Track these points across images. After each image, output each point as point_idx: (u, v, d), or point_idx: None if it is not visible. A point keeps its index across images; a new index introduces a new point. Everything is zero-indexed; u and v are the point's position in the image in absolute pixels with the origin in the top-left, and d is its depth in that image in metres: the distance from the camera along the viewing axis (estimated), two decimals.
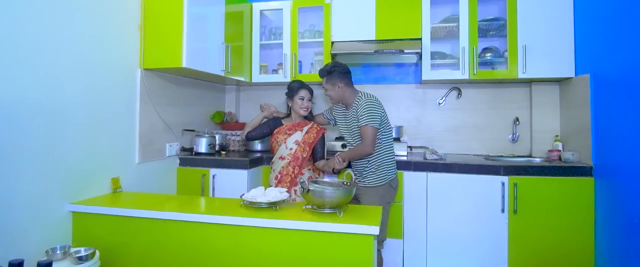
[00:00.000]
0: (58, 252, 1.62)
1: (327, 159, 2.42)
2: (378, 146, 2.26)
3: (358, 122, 2.22)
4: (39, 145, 1.71)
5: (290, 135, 2.44)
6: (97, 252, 1.67)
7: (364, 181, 2.31)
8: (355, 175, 2.33)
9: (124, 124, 2.27)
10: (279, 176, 2.41)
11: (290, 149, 2.41)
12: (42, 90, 1.73)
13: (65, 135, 1.85)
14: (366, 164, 2.29)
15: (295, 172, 2.39)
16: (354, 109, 2.27)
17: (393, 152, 2.35)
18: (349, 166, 2.41)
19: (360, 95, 2.28)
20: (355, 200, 2.35)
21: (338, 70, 2.30)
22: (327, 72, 2.32)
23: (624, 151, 2.09)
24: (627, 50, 2.06)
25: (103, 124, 2.09)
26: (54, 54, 1.79)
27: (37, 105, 1.70)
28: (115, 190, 2.14)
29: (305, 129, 2.46)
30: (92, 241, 1.79)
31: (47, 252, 1.62)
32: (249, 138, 2.55)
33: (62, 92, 1.83)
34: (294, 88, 2.47)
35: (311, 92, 2.49)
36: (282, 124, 2.51)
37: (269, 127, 2.52)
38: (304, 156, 2.42)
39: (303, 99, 2.44)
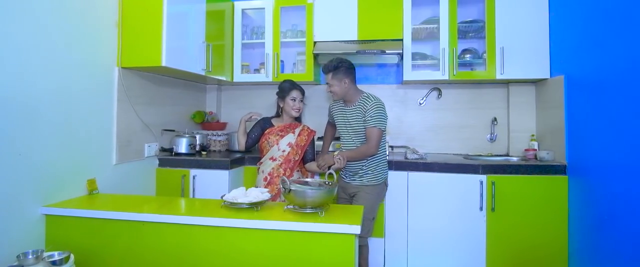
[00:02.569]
0: (30, 256, 1.56)
1: (321, 157, 2.36)
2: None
3: (365, 122, 2.24)
4: (9, 145, 1.65)
5: (282, 136, 2.41)
6: (72, 256, 1.62)
7: (361, 180, 2.32)
8: (348, 175, 2.38)
9: (101, 124, 2.21)
10: (269, 177, 2.39)
11: (283, 151, 2.39)
12: (13, 88, 1.67)
13: (38, 135, 1.79)
14: (364, 163, 2.30)
15: (287, 174, 2.37)
16: (358, 108, 2.28)
17: (386, 152, 2.41)
18: None
19: (366, 95, 2.31)
20: (348, 199, 2.38)
21: (345, 66, 2.30)
22: (334, 68, 2.29)
23: (596, 150, 2.17)
24: (598, 53, 2.14)
25: (78, 124, 2.03)
26: (25, 51, 1.73)
27: (6, 104, 1.64)
28: (91, 192, 2.08)
29: (297, 131, 2.45)
30: (66, 245, 1.73)
31: (18, 257, 1.55)
32: (248, 147, 2.50)
33: (34, 91, 1.77)
34: (285, 89, 2.44)
35: (303, 92, 2.47)
36: (273, 125, 2.48)
37: (261, 128, 2.48)
38: (296, 158, 2.41)
39: (294, 100, 2.41)
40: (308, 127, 2.52)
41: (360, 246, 2.29)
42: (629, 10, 1.87)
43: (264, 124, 2.49)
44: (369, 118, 2.22)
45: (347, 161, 2.26)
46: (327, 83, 2.35)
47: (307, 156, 2.48)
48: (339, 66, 2.29)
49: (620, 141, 1.93)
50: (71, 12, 1.98)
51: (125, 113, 2.38)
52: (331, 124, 2.64)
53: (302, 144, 2.44)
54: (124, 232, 1.74)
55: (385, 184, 2.40)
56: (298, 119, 2.54)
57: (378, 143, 2.24)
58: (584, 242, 2.27)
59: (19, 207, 1.71)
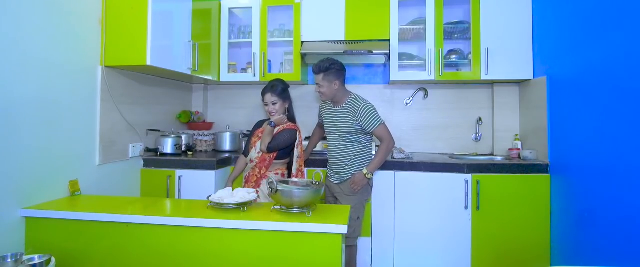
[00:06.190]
0: (9, 260, 1.52)
1: (353, 181, 2.30)
2: (358, 141, 2.33)
3: (359, 125, 2.26)
4: None
5: (260, 138, 2.41)
6: (53, 259, 1.58)
7: (347, 175, 2.33)
8: (332, 174, 2.40)
9: (84, 123, 2.17)
10: (245, 179, 2.42)
11: (258, 153, 2.39)
12: None
13: (18, 135, 1.74)
14: (347, 162, 2.33)
15: (261, 173, 2.36)
16: (346, 108, 2.30)
17: (372, 151, 2.43)
18: (325, 165, 2.47)
19: (354, 97, 2.32)
20: (335, 201, 2.40)
21: (336, 67, 2.29)
22: (326, 69, 2.26)
23: (576, 149, 2.22)
24: (580, 55, 2.19)
25: (60, 124, 1.99)
26: (3, 48, 1.68)
27: None
28: (73, 193, 2.04)
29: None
30: (47, 248, 1.69)
31: None
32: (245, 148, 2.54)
33: (13, 90, 1.72)
34: (261, 94, 2.41)
35: (277, 93, 2.35)
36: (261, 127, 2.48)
37: (255, 128, 2.51)
38: (271, 157, 2.36)
39: (267, 105, 2.38)
40: (287, 125, 2.39)
41: (348, 247, 2.30)
42: (608, 13, 1.92)
43: (258, 125, 2.52)
44: (367, 123, 2.25)
45: (377, 168, 2.33)
46: (316, 83, 2.34)
47: (276, 143, 2.32)
48: (330, 68, 2.27)
49: (600, 141, 1.98)
50: (52, 9, 1.94)
51: (109, 113, 2.34)
52: (320, 126, 2.65)
53: None
54: (108, 235, 1.71)
55: (369, 185, 2.38)
56: (292, 120, 2.46)
57: (389, 134, 2.30)
58: (566, 238, 2.32)
59: None
